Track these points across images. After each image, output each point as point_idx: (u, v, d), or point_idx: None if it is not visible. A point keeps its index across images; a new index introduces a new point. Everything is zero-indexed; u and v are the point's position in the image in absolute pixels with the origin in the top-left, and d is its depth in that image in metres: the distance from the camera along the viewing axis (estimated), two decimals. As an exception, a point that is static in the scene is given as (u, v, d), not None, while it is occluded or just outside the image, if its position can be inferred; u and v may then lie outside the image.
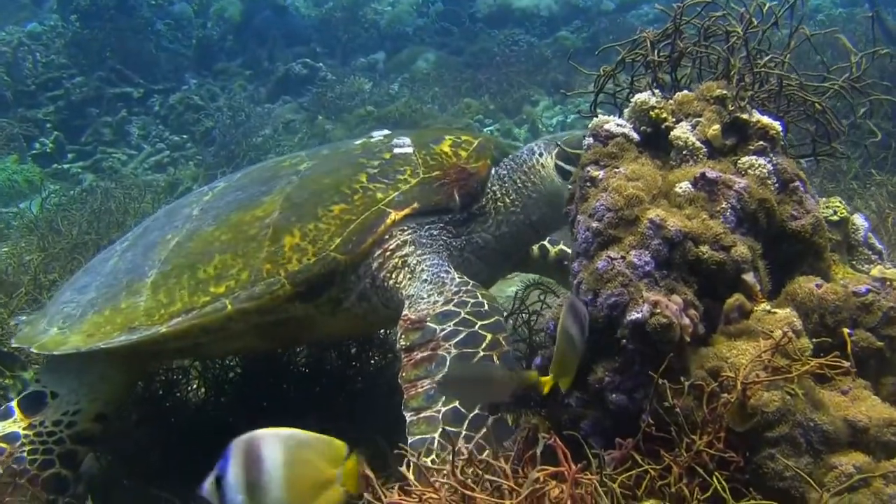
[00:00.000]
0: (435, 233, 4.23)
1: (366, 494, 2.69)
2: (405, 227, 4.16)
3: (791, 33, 3.61)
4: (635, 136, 3.49)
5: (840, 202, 3.54)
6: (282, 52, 21.55)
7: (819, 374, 2.86)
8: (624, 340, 2.93)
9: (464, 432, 3.16)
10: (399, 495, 2.68)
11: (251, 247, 4.11)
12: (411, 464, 2.87)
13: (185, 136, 17.51)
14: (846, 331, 2.99)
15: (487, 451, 2.94)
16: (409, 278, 4.01)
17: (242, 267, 4.06)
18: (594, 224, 3.14)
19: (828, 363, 2.79)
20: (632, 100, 3.58)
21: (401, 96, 19.10)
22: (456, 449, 2.67)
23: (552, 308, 3.35)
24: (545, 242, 5.17)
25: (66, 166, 15.89)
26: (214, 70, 20.90)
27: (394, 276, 4.07)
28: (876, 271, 3.36)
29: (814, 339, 2.97)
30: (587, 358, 3.09)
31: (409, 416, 3.29)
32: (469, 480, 2.58)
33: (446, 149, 4.45)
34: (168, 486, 4.10)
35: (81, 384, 4.39)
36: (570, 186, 3.67)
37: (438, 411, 3.25)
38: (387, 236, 4.10)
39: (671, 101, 3.52)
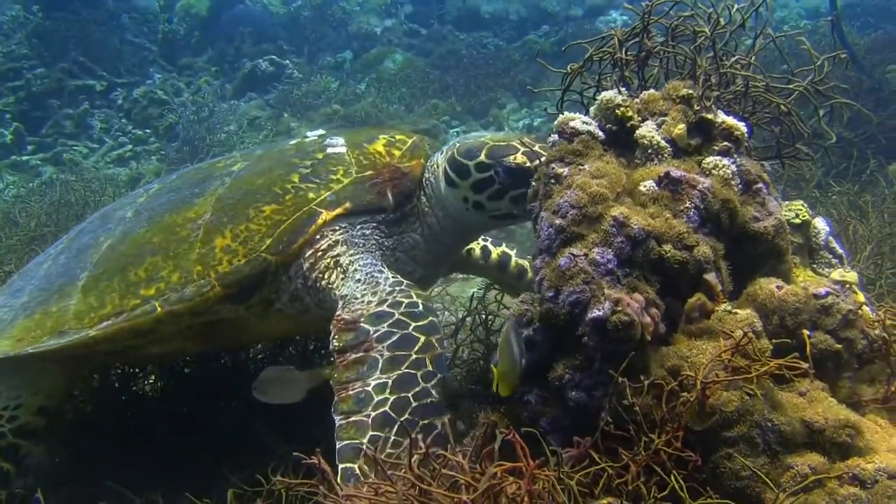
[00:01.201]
0: (367, 232, 4.19)
1: (321, 488, 2.66)
2: (337, 227, 4.11)
3: (756, 35, 3.63)
4: (601, 133, 3.48)
5: (802, 205, 3.56)
6: (249, 48, 21.38)
7: (778, 375, 2.87)
8: (585, 338, 2.92)
9: (393, 437, 3.13)
10: (355, 488, 2.65)
11: (182, 248, 4.06)
12: (363, 458, 2.86)
13: (148, 131, 17.31)
14: (806, 332, 3.00)
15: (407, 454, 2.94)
16: (342, 278, 3.98)
17: (173, 269, 4.01)
18: (557, 221, 3.12)
19: (787, 364, 2.80)
20: (598, 98, 3.57)
21: (367, 96, 19.04)
22: (413, 440, 2.64)
23: (511, 308, 3.32)
24: (487, 244, 5.13)
25: (25, 158, 15.62)
26: (179, 65, 20.69)
27: (326, 276, 4.03)
28: (836, 274, 3.38)
29: (773, 341, 2.97)
30: (547, 356, 3.08)
31: (338, 420, 3.24)
32: (425, 475, 2.55)
33: (380, 148, 4.40)
34: (122, 479, 4.04)
35: (22, 380, 4.36)
36: (533, 183, 3.66)
37: (368, 416, 3.21)
38: (318, 236, 4.06)
39: (637, 100, 3.52)
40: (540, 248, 3.22)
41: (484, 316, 4.92)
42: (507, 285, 5.27)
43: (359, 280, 3.92)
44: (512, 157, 3.99)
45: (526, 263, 5.11)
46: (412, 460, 2.55)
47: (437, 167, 4.29)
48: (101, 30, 18.96)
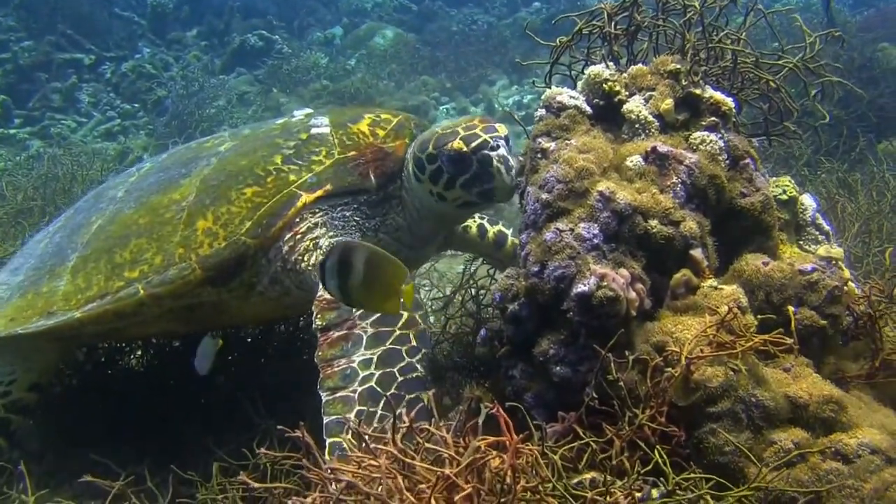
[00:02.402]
0: (348, 214, 4.15)
1: (305, 461, 2.65)
2: (317, 210, 4.07)
3: (748, 10, 3.61)
4: (588, 108, 3.46)
5: (790, 181, 3.55)
6: (238, 23, 21.27)
7: (763, 351, 2.86)
8: (570, 313, 2.91)
9: (379, 412, 3.13)
10: (339, 462, 2.65)
11: (166, 230, 4.04)
12: (350, 432, 2.85)
13: (136, 105, 17.23)
14: (791, 308, 3.00)
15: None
16: None
17: (156, 251, 3.99)
18: (544, 195, 3.11)
19: (771, 340, 2.80)
20: (586, 72, 3.55)
21: (357, 72, 18.99)
22: (397, 415, 2.63)
23: (499, 281, 3.31)
24: (484, 222, 5.08)
25: (12, 131, 15.53)
26: (169, 39, 20.58)
27: (305, 258, 4.00)
28: (822, 250, 3.38)
29: (759, 316, 2.97)
30: (531, 331, 3.08)
31: (324, 396, 3.24)
32: (409, 449, 2.55)
33: (364, 128, 4.34)
34: (107, 452, 4.03)
35: (15, 357, 4.37)
36: (520, 158, 3.64)
37: (354, 391, 3.22)
38: (297, 219, 4.02)
39: (625, 75, 3.50)
40: (526, 223, 3.21)
41: (474, 291, 4.91)
42: (502, 264, 5.23)
43: None
44: (450, 143, 3.88)
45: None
46: (396, 435, 2.54)
47: (409, 160, 4.23)
48: (90, 3, 18.82)
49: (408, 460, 2.47)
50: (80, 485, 3.86)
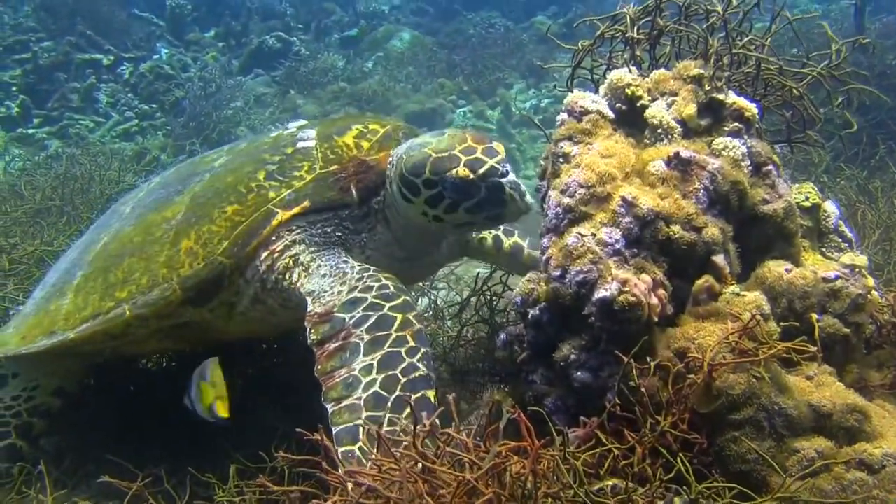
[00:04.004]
0: (329, 230, 4.06)
1: (324, 464, 2.64)
2: (294, 227, 3.99)
3: (773, 17, 3.58)
4: (610, 113, 3.45)
5: (812, 188, 3.53)
6: (256, 24, 21.31)
7: (785, 359, 2.85)
8: (591, 318, 2.90)
9: (388, 416, 3.10)
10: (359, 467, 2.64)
11: (154, 250, 4.01)
12: (365, 437, 2.85)
13: (154, 106, 17.23)
14: (814, 316, 2.98)
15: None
16: (306, 276, 3.88)
17: (144, 271, 3.97)
18: (565, 200, 3.10)
19: (795, 348, 2.78)
20: (608, 76, 3.54)
21: (374, 74, 18.99)
22: (419, 422, 2.62)
23: (519, 285, 3.30)
24: (499, 233, 4.97)
25: (31, 131, 15.57)
26: (187, 40, 20.60)
27: (286, 276, 3.93)
28: (846, 258, 3.36)
29: (781, 324, 2.96)
30: (552, 336, 3.07)
31: (330, 407, 3.20)
32: (429, 453, 2.54)
33: (349, 140, 4.23)
34: (124, 454, 4.03)
35: (40, 362, 4.39)
36: (542, 162, 3.62)
37: (360, 398, 3.18)
38: (273, 237, 3.94)
39: (647, 79, 3.49)
40: (547, 227, 3.20)
41: (489, 296, 4.89)
42: (519, 273, 5.16)
43: (324, 274, 3.83)
44: (455, 170, 3.74)
45: (538, 255, 4.95)
46: (416, 439, 2.53)
47: (391, 180, 4.08)
48: (109, 4, 18.84)
49: (429, 464, 2.46)
50: (97, 485, 3.87)
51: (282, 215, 3.92)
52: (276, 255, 3.94)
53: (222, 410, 3.48)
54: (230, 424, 3.49)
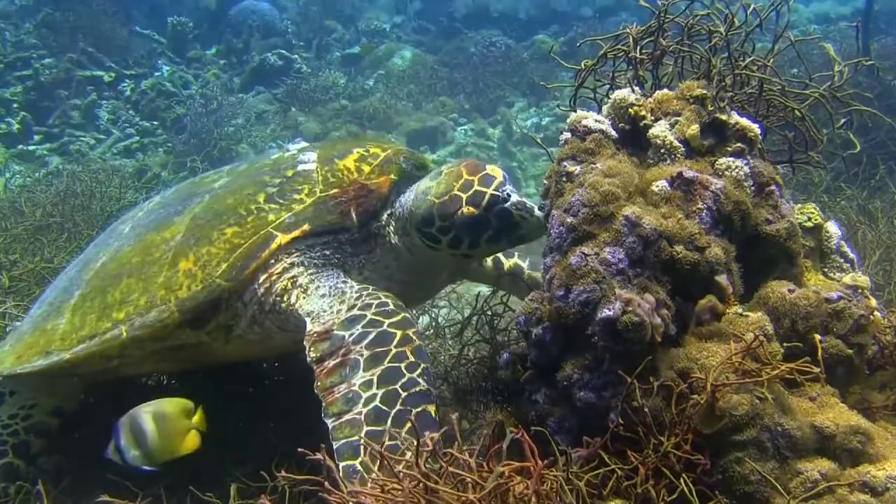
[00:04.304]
0: (328, 252, 4.05)
1: (326, 484, 2.63)
2: (293, 250, 3.97)
3: (776, 38, 3.60)
4: (613, 132, 3.45)
5: (815, 209, 3.53)
6: (257, 42, 21.38)
7: (787, 379, 2.84)
8: (594, 338, 2.89)
9: (389, 430, 3.09)
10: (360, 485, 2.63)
11: (153, 271, 3.99)
12: (367, 456, 2.83)
13: (155, 123, 17.30)
14: (818, 337, 2.98)
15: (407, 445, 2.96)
16: (304, 297, 3.87)
17: (142, 292, 3.94)
18: (569, 219, 3.10)
19: (798, 368, 2.77)
20: (611, 96, 3.55)
21: (375, 92, 19.07)
22: (421, 438, 2.61)
23: (522, 304, 3.30)
24: (500, 255, 4.97)
25: (31, 148, 15.63)
26: (188, 57, 20.68)
27: (285, 298, 3.91)
28: (848, 279, 3.35)
29: (784, 344, 2.95)
30: (555, 355, 3.06)
31: (330, 423, 3.18)
32: (432, 472, 2.53)
33: (350, 164, 4.23)
34: (123, 471, 4.02)
35: (39, 381, 4.38)
36: (545, 181, 3.63)
37: (360, 413, 3.16)
38: (272, 260, 3.92)
39: (650, 99, 3.49)
40: (550, 247, 3.20)
41: (490, 315, 4.89)
42: (519, 295, 5.15)
43: (323, 294, 3.82)
44: (459, 211, 3.80)
45: (539, 275, 4.94)
46: (419, 458, 2.52)
47: (407, 222, 4.08)
48: (111, 21, 18.93)
49: (431, 484, 2.45)
50: (97, 504, 3.86)
51: (281, 239, 3.91)
52: (274, 277, 3.92)
53: (192, 443, 3.63)
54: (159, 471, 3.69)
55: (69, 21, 18.12)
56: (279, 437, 4.22)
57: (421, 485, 2.47)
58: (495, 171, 3.87)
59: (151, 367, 4.32)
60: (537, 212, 3.80)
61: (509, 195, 3.76)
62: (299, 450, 2.80)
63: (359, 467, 2.99)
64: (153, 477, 4.08)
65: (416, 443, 2.56)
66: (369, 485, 2.67)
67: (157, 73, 19.17)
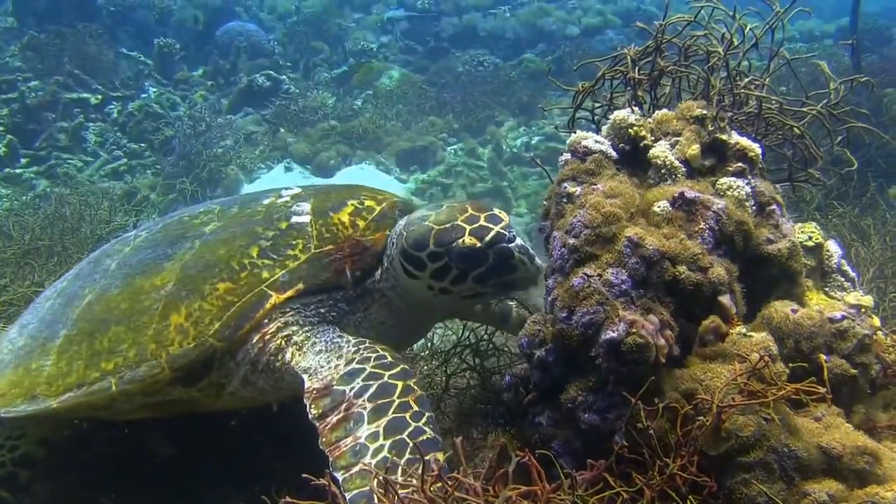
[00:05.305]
0: (323, 311, 3.99)
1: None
2: (287, 309, 3.91)
3: (771, 57, 3.61)
4: (613, 153, 3.45)
5: (815, 227, 3.53)
6: (244, 63, 21.40)
7: (792, 400, 2.83)
8: (598, 359, 2.88)
9: (399, 479, 3.05)
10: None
11: (143, 321, 3.91)
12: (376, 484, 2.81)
13: (143, 145, 17.24)
14: (822, 357, 2.97)
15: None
16: (300, 354, 3.80)
17: (132, 343, 3.86)
18: (570, 240, 3.09)
19: (804, 389, 2.76)
20: (610, 117, 3.55)
21: (364, 112, 19.10)
22: (425, 462, 2.59)
23: (525, 327, 3.28)
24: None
25: (18, 171, 15.54)
26: (175, 79, 20.67)
27: (279, 357, 3.85)
28: (851, 298, 3.35)
29: (788, 365, 2.94)
30: (559, 377, 3.05)
31: (340, 476, 3.15)
32: (438, 498, 2.50)
33: (345, 218, 4.16)
34: (122, 497, 3.98)
35: (28, 414, 4.29)
36: (545, 202, 3.62)
37: (369, 464, 3.14)
38: (266, 320, 3.86)
39: (650, 120, 3.50)
40: (552, 268, 3.19)
41: (475, 342, 4.85)
42: (509, 332, 5.10)
43: (320, 350, 3.76)
44: (460, 240, 3.73)
45: (528, 314, 4.86)
46: (425, 485, 2.50)
47: (392, 257, 4.03)
48: (97, 43, 18.88)
49: (438, 510, 2.43)
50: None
51: (276, 298, 3.84)
52: (268, 336, 3.85)
53: None
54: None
55: (55, 43, 18.06)
56: (277, 460, 4.19)
57: (427, 510, 2.45)
58: (502, 213, 3.82)
59: (140, 416, 4.20)
60: (538, 261, 3.77)
61: (514, 237, 3.72)
62: (303, 475, 2.77)
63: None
64: (150, 501, 4.05)
65: (421, 467, 2.54)
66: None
67: (144, 95, 19.13)
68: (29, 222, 10.15)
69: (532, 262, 3.75)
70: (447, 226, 3.78)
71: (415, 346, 6.23)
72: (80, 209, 10.56)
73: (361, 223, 4.15)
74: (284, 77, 20.70)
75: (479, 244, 3.69)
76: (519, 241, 3.74)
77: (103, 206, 11.16)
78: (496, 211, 3.81)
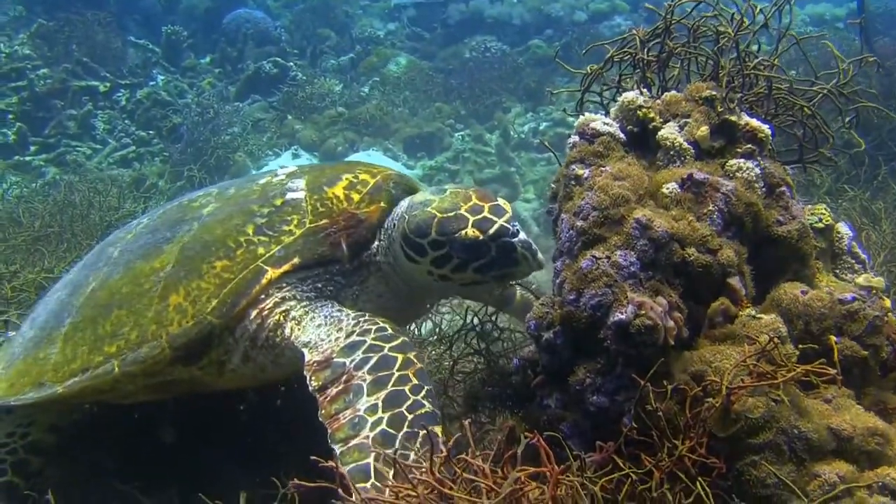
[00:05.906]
0: (320, 285, 3.98)
1: (340, 491, 2.60)
2: (284, 284, 3.90)
3: (779, 38, 3.58)
4: (621, 135, 3.44)
5: (825, 209, 3.51)
6: (251, 50, 21.37)
7: (802, 382, 2.82)
8: (607, 342, 2.87)
9: (399, 451, 3.05)
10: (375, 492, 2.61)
11: (143, 303, 3.92)
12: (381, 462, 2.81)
13: (151, 132, 17.24)
14: (833, 338, 2.96)
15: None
16: (299, 329, 3.80)
17: (133, 325, 3.88)
18: (579, 223, 3.08)
19: (814, 370, 2.74)
20: (619, 98, 3.53)
21: (371, 98, 19.08)
22: (434, 446, 2.58)
23: (533, 309, 3.27)
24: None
25: (28, 158, 15.56)
26: (183, 66, 20.67)
27: (277, 332, 3.85)
28: (862, 279, 3.33)
29: (798, 346, 2.93)
30: (567, 359, 3.04)
31: (338, 448, 3.12)
32: (446, 478, 2.50)
33: (339, 192, 4.16)
34: (131, 482, 3.99)
35: (36, 400, 4.32)
36: (553, 185, 3.60)
37: (367, 437, 3.12)
38: (263, 296, 3.86)
39: (659, 101, 3.48)
40: (560, 250, 3.18)
41: (478, 325, 4.83)
42: (514, 315, 5.09)
43: (319, 324, 3.76)
44: (463, 231, 3.72)
45: (531, 297, 4.87)
46: (433, 466, 2.50)
47: (393, 238, 4.03)
48: (105, 31, 18.87)
49: (446, 490, 2.42)
50: (104, 515, 3.83)
51: (271, 273, 3.85)
52: (265, 312, 3.86)
53: None
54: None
55: (63, 31, 18.07)
56: (284, 444, 4.20)
57: (435, 491, 2.45)
58: (506, 204, 3.81)
59: (144, 398, 4.21)
60: (540, 256, 3.76)
61: (517, 231, 3.71)
62: (312, 457, 2.77)
63: (370, 489, 2.94)
64: (161, 485, 4.06)
65: (427, 451, 2.54)
66: (386, 493, 2.63)
67: (152, 83, 19.13)
68: (39, 209, 10.19)
69: (534, 258, 3.74)
70: (450, 214, 3.77)
71: (423, 331, 6.23)
72: (89, 196, 10.57)
73: (356, 196, 4.14)
74: (291, 64, 20.67)
75: (481, 237, 3.68)
76: (522, 235, 3.72)
77: (112, 192, 11.18)
78: (500, 201, 3.80)
